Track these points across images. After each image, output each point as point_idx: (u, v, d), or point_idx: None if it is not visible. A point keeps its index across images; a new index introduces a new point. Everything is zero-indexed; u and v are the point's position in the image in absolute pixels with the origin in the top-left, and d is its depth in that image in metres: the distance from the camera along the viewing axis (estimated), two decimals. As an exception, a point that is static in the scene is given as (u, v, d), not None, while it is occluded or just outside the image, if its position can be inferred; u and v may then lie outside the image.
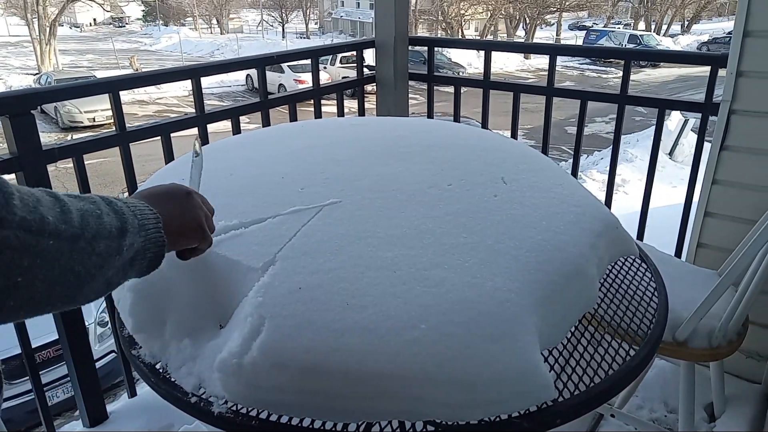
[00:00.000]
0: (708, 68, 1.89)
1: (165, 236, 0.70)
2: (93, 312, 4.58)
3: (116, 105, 1.65)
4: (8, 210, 0.49)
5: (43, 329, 4.06)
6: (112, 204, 0.62)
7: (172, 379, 0.88)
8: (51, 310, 0.56)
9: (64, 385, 4.27)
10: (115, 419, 1.77)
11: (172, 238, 0.71)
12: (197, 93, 1.85)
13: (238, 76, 20.61)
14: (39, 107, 1.87)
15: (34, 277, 0.51)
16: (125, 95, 1.80)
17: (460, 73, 18.36)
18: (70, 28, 43.68)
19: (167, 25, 40.57)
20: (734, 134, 1.79)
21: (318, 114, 2.35)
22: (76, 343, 1.69)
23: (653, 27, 31.59)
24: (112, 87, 1.64)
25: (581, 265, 1.02)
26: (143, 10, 43.35)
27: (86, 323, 1.85)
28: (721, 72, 1.81)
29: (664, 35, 29.83)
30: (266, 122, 2.11)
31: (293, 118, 2.18)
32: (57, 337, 1.70)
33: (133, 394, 1.92)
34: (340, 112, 2.41)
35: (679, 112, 10.18)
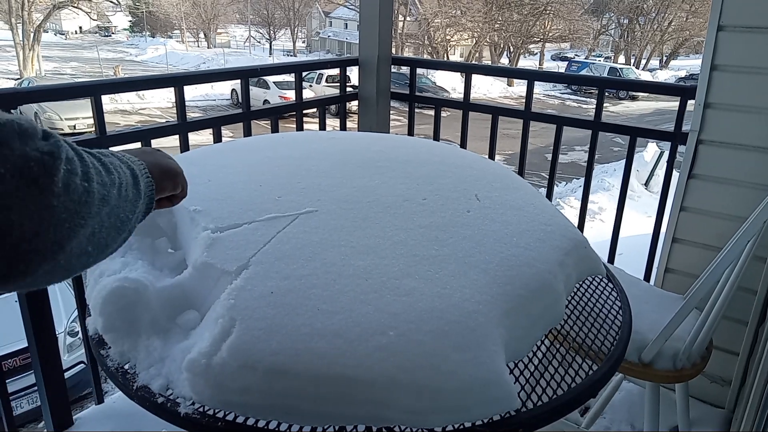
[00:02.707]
0: (678, 100, 1.96)
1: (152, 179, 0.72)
2: (63, 321, 4.50)
3: (97, 109, 1.65)
4: (93, 165, 0.55)
5: (10, 338, 3.99)
6: (116, 155, 0.66)
7: (140, 379, 0.88)
8: (104, 257, 0.61)
9: (30, 395, 4.17)
10: (81, 425, 1.74)
11: (156, 183, 0.74)
12: (180, 101, 1.86)
13: (224, 90, 20.60)
14: (18, 110, 1.87)
15: (104, 225, 0.57)
16: (108, 105, 1.81)
17: (444, 96, 18.60)
18: (55, 34, 43.32)
19: (154, 37, 40.46)
20: (701, 163, 1.85)
21: (300, 129, 2.37)
22: (46, 348, 1.66)
23: (633, 61, 32.44)
24: (94, 90, 1.65)
25: (549, 281, 1.05)
26: (130, 21, 43.22)
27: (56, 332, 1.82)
28: (690, 103, 1.88)
29: (643, 69, 30.63)
30: (248, 134, 2.12)
31: (275, 132, 2.20)
32: (24, 345, 1.67)
33: (100, 401, 1.89)
34: (322, 129, 2.43)
35: (655, 144, 10.46)
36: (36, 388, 1.73)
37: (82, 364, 4.35)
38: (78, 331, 4.46)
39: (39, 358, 1.64)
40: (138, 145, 1.80)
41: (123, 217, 0.61)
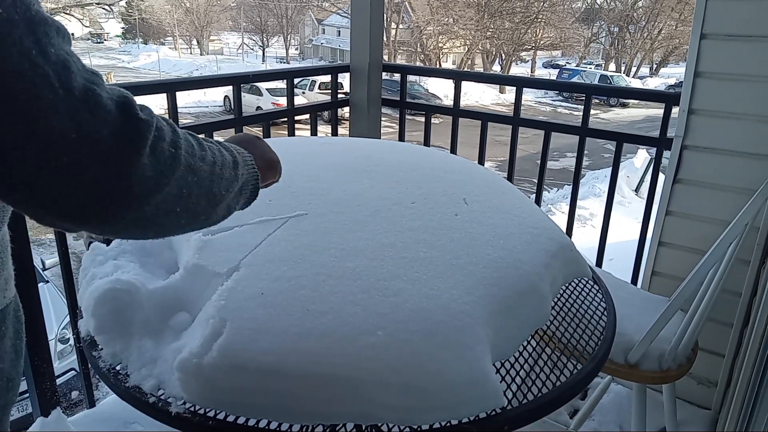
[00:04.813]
0: (663, 106, 2.00)
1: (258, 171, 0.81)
2: (54, 328, 4.48)
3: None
4: (185, 138, 0.64)
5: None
6: (222, 144, 0.75)
7: (132, 380, 0.89)
8: (199, 224, 0.70)
9: (19, 402, 4.14)
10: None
11: (261, 174, 0.81)
12: (172, 107, 1.88)
13: (216, 97, 20.60)
14: None
15: (192, 191, 0.64)
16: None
17: (435, 103, 18.67)
18: (47, 41, 42.98)
19: (146, 44, 40.38)
20: (686, 168, 1.88)
21: (291, 135, 2.39)
22: (37, 355, 1.66)
23: (623, 69, 32.69)
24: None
25: (535, 283, 1.07)
26: (123, 28, 43.09)
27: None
28: (675, 110, 1.92)
29: (633, 77, 30.88)
30: (240, 140, 2.14)
31: (266, 137, 2.22)
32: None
33: (91, 405, 1.89)
34: (314, 135, 2.46)
35: (645, 150, 10.54)
36: (27, 395, 1.73)
37: (73, 371, 4.32)
38: (69, 338, 4.44)
39: (31, 366, 1.64)
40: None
41: (215, 191, 0.69)
